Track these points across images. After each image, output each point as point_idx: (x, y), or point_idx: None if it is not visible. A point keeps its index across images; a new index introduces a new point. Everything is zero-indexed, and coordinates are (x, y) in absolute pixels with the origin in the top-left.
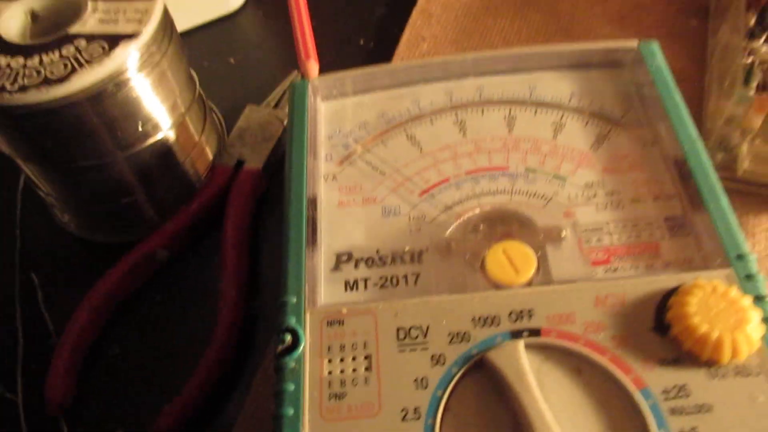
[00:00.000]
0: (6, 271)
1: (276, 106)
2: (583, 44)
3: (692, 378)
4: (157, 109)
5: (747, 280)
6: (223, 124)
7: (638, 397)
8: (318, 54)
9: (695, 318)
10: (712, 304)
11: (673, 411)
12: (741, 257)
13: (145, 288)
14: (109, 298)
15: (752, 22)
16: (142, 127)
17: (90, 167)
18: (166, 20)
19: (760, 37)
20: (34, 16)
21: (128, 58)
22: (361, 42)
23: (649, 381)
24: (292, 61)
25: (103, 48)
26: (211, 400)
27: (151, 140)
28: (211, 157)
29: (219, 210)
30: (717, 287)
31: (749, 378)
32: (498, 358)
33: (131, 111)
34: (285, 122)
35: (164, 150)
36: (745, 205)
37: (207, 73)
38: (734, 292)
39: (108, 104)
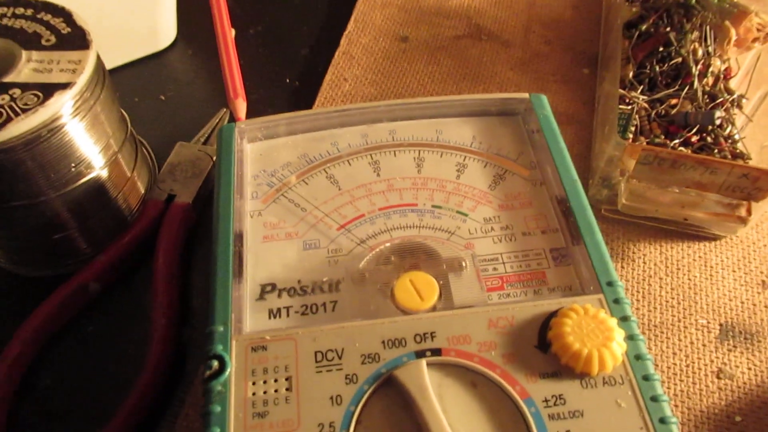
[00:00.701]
0: None
1: (205, 142)
2: (482, 95)
3: (568, 388)
4: (91, 150)
5: (615, 303)
6: (154, 159)
7: (522, 405)
8: (246, 92)
9: (570, 337)
10: (584, 324)
11: (552, 417)
12: (610, 284)
13: (77, 319)
14: (41, 331)
15: (630, 74)
16: (75, 167)
17: (22, 206)
18: (99, 67)
19: (637, 88)
20: None
21: (63, 107)
22: (287, 80)
23: (531, 392)
24: (220, 98)
25: (38, 97)
26: (143, 425)
27: (85, 179)
28: (142, 191)
29: (150, 242)
30: (588, 310)
31: (615, 387)
32: (403, 375)
33: (65, 153)
34: (214, 158)
35: (97, 187)
36: (626, 233)
37: (137, 110)
38: (602, 314)
39: (42, 148)
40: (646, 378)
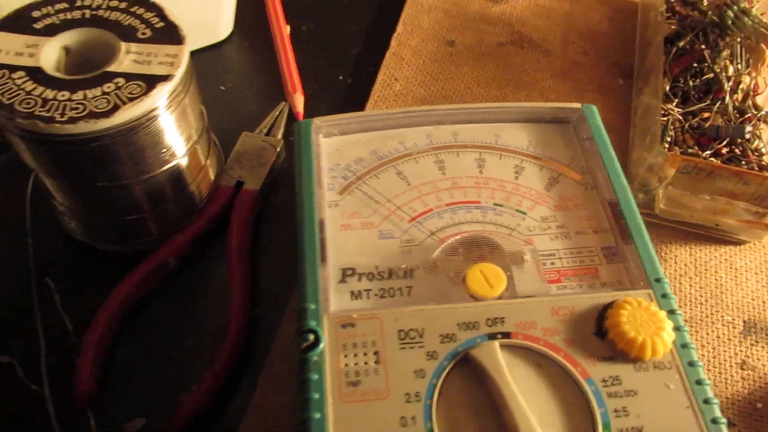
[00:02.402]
0: (22, 277)
1: (268, 133)
2: (537, 104)
3: (623, 371)
4: (176, 139)
5: (663, 298)
6: (220, 148)
7: (584, 384)
8: (301, 87)
9: (626, 326)
10: (638, 315)
11: (610, 395)
12: (658, 280)
13: (156, 293)
14: (127, 301)
15: (666, 87)
16: (161, 155)
17: (108, 187)
18: (190, 62)
19: (672, 100)
20: (67, 51)
21: (163, 98)
22: (340, 77)
23: (591, 372)
24: (276, 90)
25: (141, 87)
26: (222, 395)
27: (166, 167)
28: (212, 177)
29: (220, 225)
30: (641, 303)
31: (664, 371)
32: (480, 354)
33: (155, 141)
34: (278, 149)
35: (176, 174)
36: (660, 235)
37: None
38: (653, 307)
39: (138, 136)
40: (692, 364)
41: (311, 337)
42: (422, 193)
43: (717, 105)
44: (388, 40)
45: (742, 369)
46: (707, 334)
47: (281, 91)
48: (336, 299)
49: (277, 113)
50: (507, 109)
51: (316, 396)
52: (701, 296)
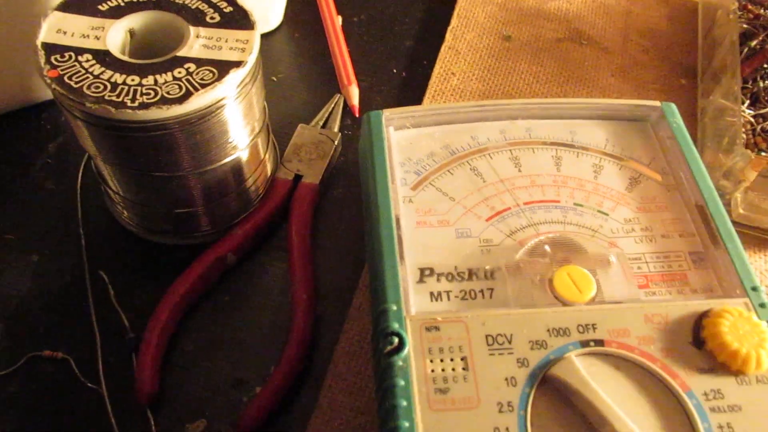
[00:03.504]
0: (75, 269)
1: (324, 125)
2: (614, 100)
3: (725, 384)
4: (240, 131)
5: (761, 307)
6: (275, 139)
7: (685, 398)
8: (357, 79)
9: (728, 336)
10: (739, 326)
11: (713, 409)
12: (755, 289)
13: (214, 289)
14: (185, 297)
15: (737, 88)
16: (223, 147)
17: (165, 177)
18: (258, 53)
19: (743, 101)
20: (131, 34)
21: (233, 85)
22: (394, 70)
23: (692, 385)
24: (329, 82)
25: (213, 73)
26: (287, 395)
27: (229, 158)
28: (269, 171)
29: (277, 219)
30: (742, 313)
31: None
32: (561, 372)
33: (222, 131)
34: (335, 141)
35: (237, 167)
36: None
37: None
38: (754, 317)
39: (207, 125)
40: None
41: (395, 340)
42: (498, 191)
43: None
44: (441, 33)
45: None
46: None
47: (334, 83)
48: (416, 300)
49: (332, 105)
50: (583, 105)
51: (404, 403)
52: None
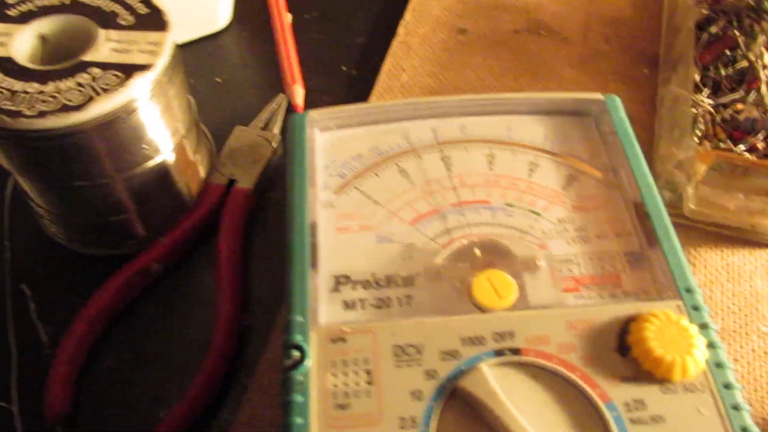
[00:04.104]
0: None
1: (264, 127)
2: (554, 94)
3: (648, 393)
4: (161, 134)
5: (694, 310)
6: (212, 142)
7: (604, 410)
8: (302, 78)
9: (653, 342)
10: (666, 330)
11: (633, 421)
12: (689, 290)
13: (138, 300)
14: (105, 310)
15: (696, 76)
16: (143, 151)
17: (87, 187)
18: (175, 51)
19: (702, 91)
20: (43, 40)
21: (142, 89)
22: (344, 68)
23: (612, 395)
24: (277, 83)
25: (118, 77)
26: (207, 410)
27: (150, 163)
28: (203, 175)
29: (210, 226)
30: (670, 316)
31: (696, 394)
32: (469, 385)
33: (137, 136)
34: (273, 144)
35: (161, 171)
36: (688, 239)
37: (194, 92)
38: (684, 321)
39: (117, 130)
40: (728, 386)
41: (296, 353)
42: (426, 193)
43: (752, 96)
44: (395, 29)
45: None
46: (741, 347)
47: (281, 84)
48: (327, 310)
49: (276, 106)
50: (521, 100)
51: (300, 421)
52: (734, 305)
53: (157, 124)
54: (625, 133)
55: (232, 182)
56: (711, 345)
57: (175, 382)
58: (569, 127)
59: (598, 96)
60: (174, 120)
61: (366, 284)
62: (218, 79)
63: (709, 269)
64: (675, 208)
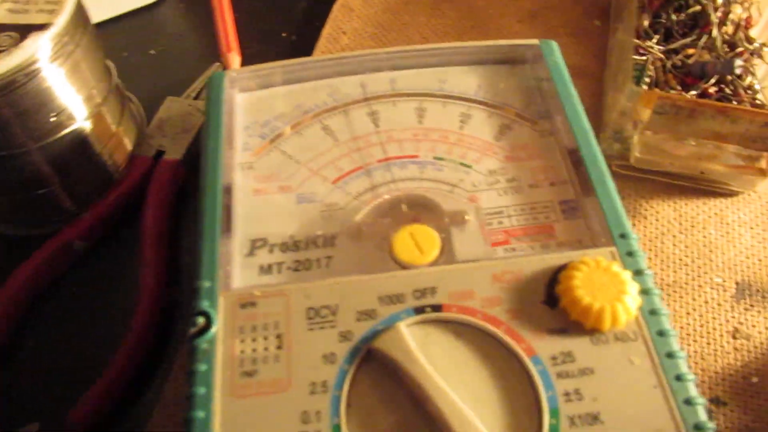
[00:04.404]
0: None
1: (196, 97)
2: (488, 42)
3: (577, 345)
4: (72, 99)
5: (628, 256)
6: (143, 115)
7: (529, 364)
8: (241, 46)
9: (580, 290)
10: (595, 278)
11: (560, 375)
12: (624, 236)
13: (63, 279)
14: (25, 290)
15: (645, 23)
16: (55, 117)
17: (1, 158)
18: (80, 11)
19: (652, 38)
20: None
21: (39, 49)
22: (284, 35)
23: (538, 349)
24: (214, 53)
25: (12, 38)
26: (130, 388)
27: (66, 131)
28: (130, 147)
29: (138, 200)
30: (600, 263)
31: (627, 343)
32: (385, 345)
33: (43, 101)
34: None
35: (80, 140)
36: (639, 191)
37: (127, 64)
38: (615, 267)
39: (19, 94)
40: (661, 333)
41: (201, 320)
42: (351, 150)
43: (703, 40)
44: None
45: (734, 338)
46: (693, 299)
47: (218, 54)
48: (242, 275)
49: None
50: (453, 50)
51: (202, 390)
52: (687, 256)
53: (66, 88)
54: (561, 78)
55: (160, 153)
56: (645, 291)
57: (100, 362)
58: (504, 75)
59: (534, 42)
60: (86, 86)
61: (284, 247)
62: (153, 51)
63: (661, 221)
64: (624, 159)
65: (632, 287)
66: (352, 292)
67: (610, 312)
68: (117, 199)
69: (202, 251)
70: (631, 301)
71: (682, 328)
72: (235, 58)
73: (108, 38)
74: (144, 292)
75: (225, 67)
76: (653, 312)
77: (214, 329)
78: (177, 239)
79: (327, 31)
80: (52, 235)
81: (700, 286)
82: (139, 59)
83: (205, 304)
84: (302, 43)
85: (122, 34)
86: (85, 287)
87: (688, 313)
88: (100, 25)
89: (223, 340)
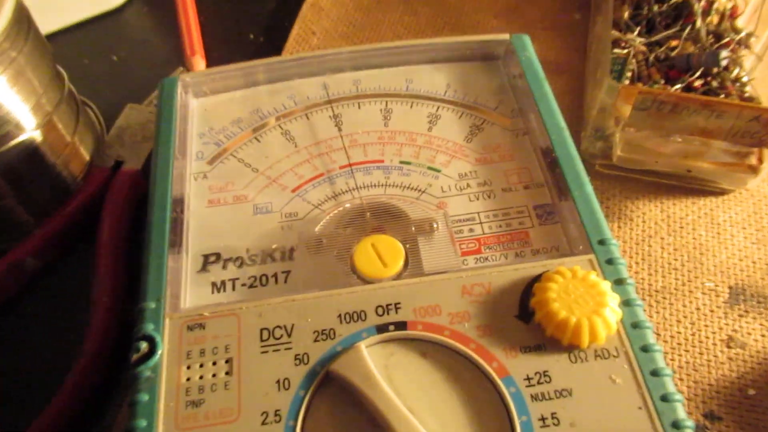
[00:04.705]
0: None
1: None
2: (457, 37)
3: (554, 363)
4: (18, 108)
5: (608, 264)
6: (103, 123)
7: (501, 385)
8: (207, 50)
9: (555, 304)
10: (571, 289)
11: (535, 397)
12: (603, 242)
13: (14, 300)
14: None
15: (626, 14)
16: (1, 126)
17: None
18: (21, 15)
19: (634, 30)
20: None
21: None
22: (251, 36)
23: (511, 369)
24: (177, 57)
25: None
26: (81, 417)
27: (15, 141)
28: (87, 157)
29: (96, 213)
30: (576, 272)
31: (608, 360)
32: (343, 368)
33: None
34: None
35: (31, 151)
36: (624, 191)
37: (87, 71)
38: (593, 276)
39: None
40: (645, 349)
41: (144, 345)
42: (312, 156)
43: (687, 31)
44: None
45: (729, 347)
46: (684, 306)
47: (183, 58)
48: (192, 294)
49: None
50: (421, 47)
51: (143, 423)
52: (676, 260)
53: (10, 96)
54: (534, 74)
55: (119, 164)
56: (627, 303)
57: (50, 389)
58: (475, 73)
59: (505, 36)
60: (33, 93)
61: (238, 262)
62: (115, 58)
63: (648, 222)
64: (607, 158)
65: (612, 299)
66: (309, 310)
67: (588, 326)
68: (72, 213)
69: (148, 269)
70: (611, 314)
71: (672, 337)
72: (199, 62)
73: (70, 44)
74: (97, 312)
75: (189, 72)
76: (636, 325)
77: (158, 355)
78: (136, 254)
79: (296, 31)
80: (3, 253)
81: (690, 291)
82: (101, 66)
83: (149, 328)
84: (270, 45)
85: (83, 41)
86: (37, 308)
87: (678, 321)
88: (60, 33)
89: (167, 367)
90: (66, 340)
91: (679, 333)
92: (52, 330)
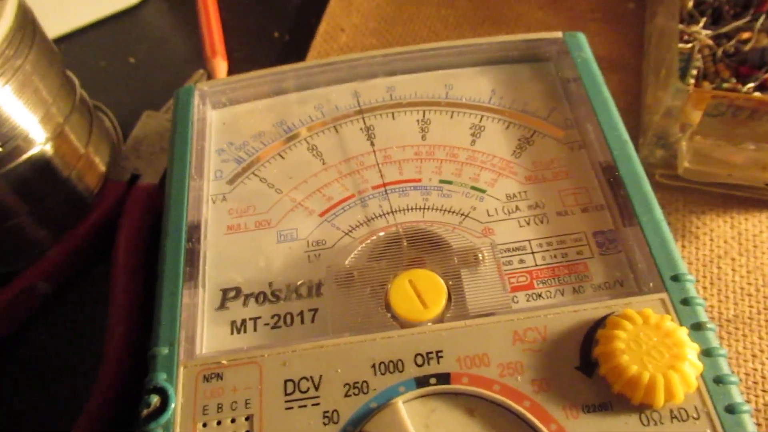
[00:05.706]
0: None
1: None
2: (503, 37)
3: (622, 426)
4: (26, 120)
5: (684, 305)
6: (119, 131)
7: None
8: (229, 50)
9: (624, 355)
10: (643, 337)
11: None
12: (676, 278)
13: (24, 328)
14: None
15: (690, 4)
16: (10, 141)
17: None
18: (25, 19)
19: (698, 21)
20: None
21: None
22: (276, 35)
23: (572, 431)
24: (197, 58)
25: None
26: None
27: (25, 156)
28: (103, 168)
29: (111, 232)
30: (649, 317)
31: (687, 423)
32: (377, 428)
33: None
34: None
35: (43, 165)
36: (688, 204)
37: (102, 75)
38: (668, 322)
39: None
40: (731, 410)
41: (155, 399)
42: (342, 174)
43: (760, 21)
44: None
45: None
46: (760, 338)
47: (203, 59)
48: (210, 336)
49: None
50: (461, 48)
51: None
52: (750, 284)
53: (17, 108)
54: (591, 77)
55: (135, 177)
56: (707, 352)
57: (62, 424)
58: (523, 77)
59: (557, 34)
60: (41, 103)
61: (261, 298)
62: (132, 59)
63: (717, 241)
64: (670, 167)
65: (691, 350)
66: (339, 358)
67: (663, 384)
68: (85, 234)
69: (160, 308)
70: (691, 368)
71: (747, 374)
72: (221, 64)
73: (81, 47)
74: (111, 343)
75: (210, 75)
76: (719, 380)
77: (170, 410)
78: (155, 277)
79: (323, 28)
80: (14, 275)
81: (766, 321)
82: (117, 69)
83: (161, 378)
84: (296, 44)
85: (98, 42)
86: (49, 336)
87: (754, 356)
88: (76, 34)
89: (181, 424)
90: (78, 371)
91: (755, 370)
92: (62, 363)
